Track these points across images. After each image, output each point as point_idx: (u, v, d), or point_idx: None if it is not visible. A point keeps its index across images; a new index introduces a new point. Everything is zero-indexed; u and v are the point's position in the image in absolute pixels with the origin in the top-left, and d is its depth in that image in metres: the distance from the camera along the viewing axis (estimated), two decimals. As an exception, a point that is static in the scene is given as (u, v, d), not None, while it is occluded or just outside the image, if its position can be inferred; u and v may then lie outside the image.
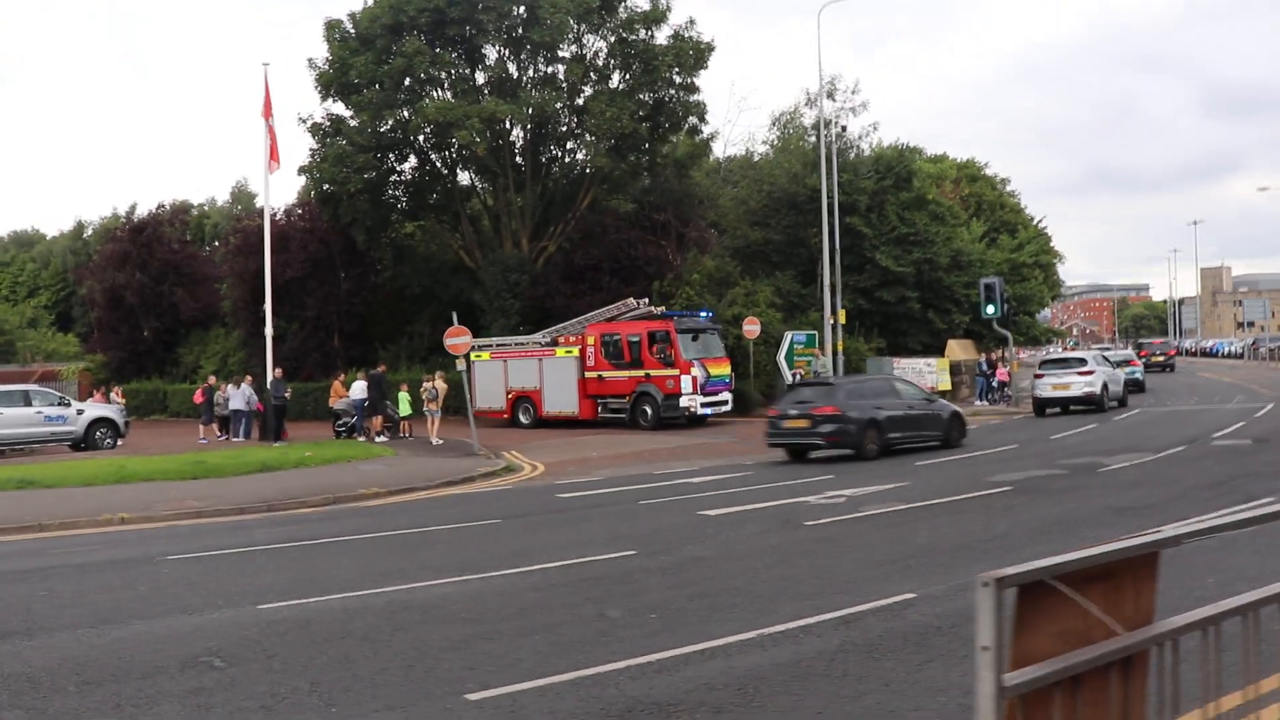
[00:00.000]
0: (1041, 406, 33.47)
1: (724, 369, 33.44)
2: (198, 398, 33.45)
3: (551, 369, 34.62)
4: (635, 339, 32.54)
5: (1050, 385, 33.04)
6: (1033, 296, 53.58)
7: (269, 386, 31.85)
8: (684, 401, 31.60)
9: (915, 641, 7.75)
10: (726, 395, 33.45)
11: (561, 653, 7.80)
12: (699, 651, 7.69)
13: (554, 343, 34.95)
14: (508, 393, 35.68)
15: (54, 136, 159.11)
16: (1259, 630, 3.80)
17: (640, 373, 32.40)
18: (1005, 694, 2.83)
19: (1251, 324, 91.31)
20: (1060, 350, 72.32)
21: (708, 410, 32.51)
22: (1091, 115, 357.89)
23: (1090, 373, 32.96)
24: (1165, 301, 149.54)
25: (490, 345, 36.44)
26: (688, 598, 9.57)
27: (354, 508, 17.84)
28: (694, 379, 31.67)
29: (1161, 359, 60.64)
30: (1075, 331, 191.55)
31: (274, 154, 33.75)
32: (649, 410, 32.08)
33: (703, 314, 34.98)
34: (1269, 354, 75.01)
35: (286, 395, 32.62)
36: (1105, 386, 33.05)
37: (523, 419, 35.35)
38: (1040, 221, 67.26)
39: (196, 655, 8.11)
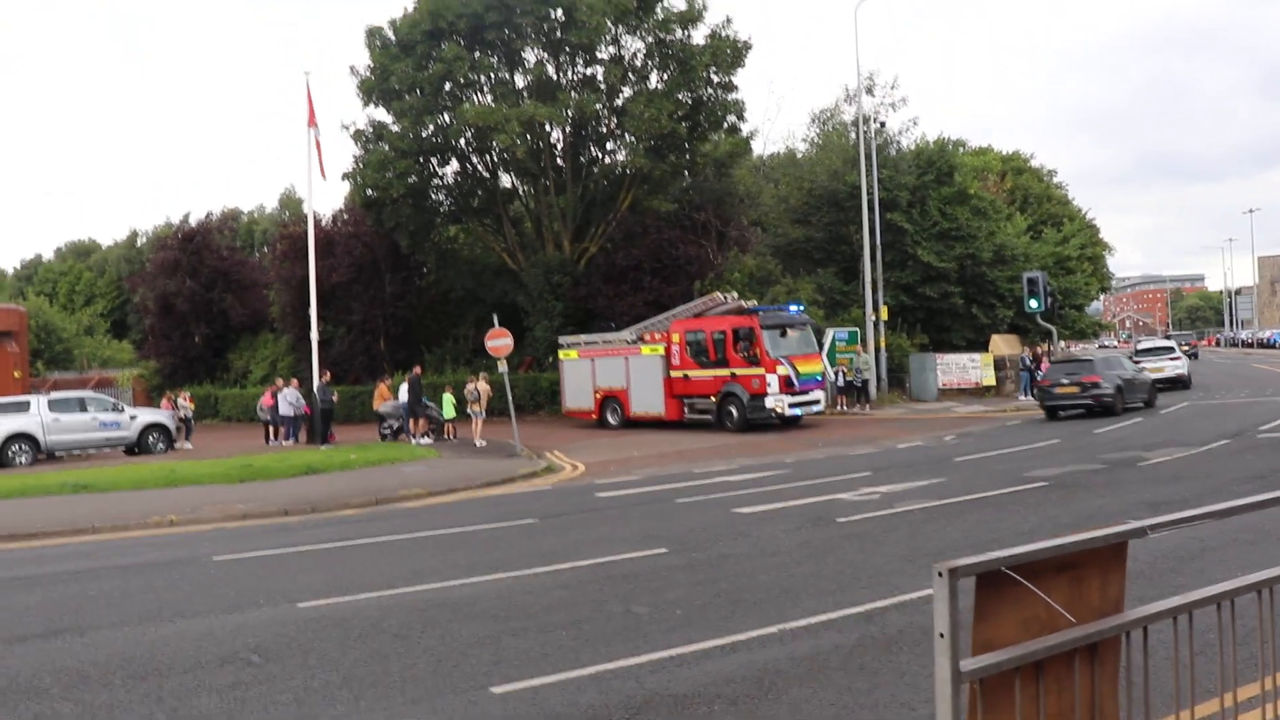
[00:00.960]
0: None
1: (815, 366, 31.66)
2: (266, 401, 33.94)
3: (638, 368, 33.54)
4: (720, 336, 31.06)
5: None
6: (1079, 290, 53.02)
7: (315, 390, 32.40)
8: (770, 402, 29.88)
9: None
10: (818, 395, 31.58)
11: (585, 647, 8.00)
12: (720, 646, 7.86)
13: (639, 340, 33.81)
14: (595, 392, 34.81)
15: (109, 148, 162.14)
16: (1235, 619, 3.90)
17: (725, 372, 30.92)
18: (962, 679, 2.97)
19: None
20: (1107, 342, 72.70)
21: (797, 411, 30.66)
22: (1142, 101, 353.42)
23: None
24: (1221, 292, 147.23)
25: (578, 343, 35.70)
26: (713, 594, 9.73)
27: (395, 509, 18.15)
28: (780, 378, 29.91)
29: (1186, 348, 58.27)
30: (1128, 324, 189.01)
31: (320, 163, 34.56)
32: (734, 411, 30.64)
33: (793, 308, 33.51)
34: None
35: (333, 399, 33.16)
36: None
37: (611, 420, 34.53)
38: (1088, 213, 66.63)
39: (236, 651, 8.41)
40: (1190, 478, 16.25)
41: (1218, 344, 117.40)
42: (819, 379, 31.67)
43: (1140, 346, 49.93)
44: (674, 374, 32.51)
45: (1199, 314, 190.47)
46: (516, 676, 7.31)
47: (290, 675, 7.69)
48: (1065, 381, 30.09)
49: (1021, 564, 3.11)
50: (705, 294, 39.87)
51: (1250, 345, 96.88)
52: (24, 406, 31.14)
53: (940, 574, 2.92)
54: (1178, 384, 40.61)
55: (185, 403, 36.69)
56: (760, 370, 30.04)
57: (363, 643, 8.52)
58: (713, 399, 31.32)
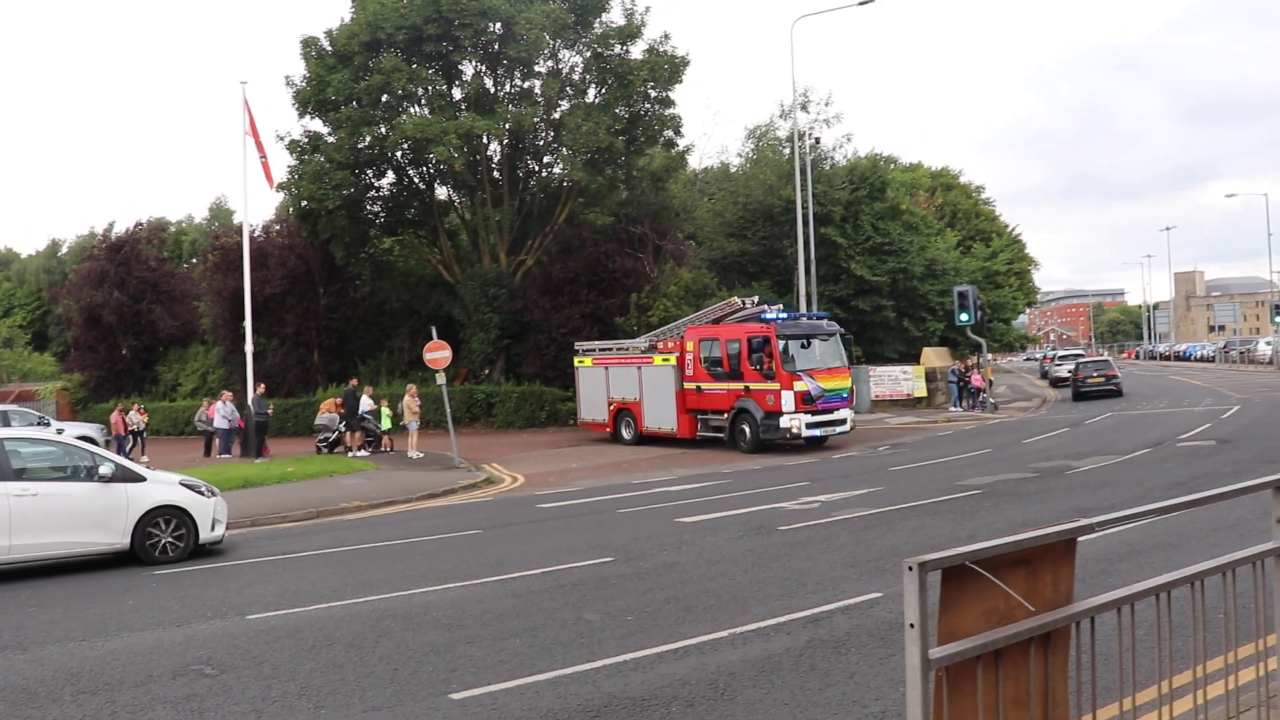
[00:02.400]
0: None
1: (842, 381, 28.05)
2: (210, 413, 33.24)
3: (650, 379, 30.58)
4: (735, 346, 27.76)
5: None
6: (1007, 303, 54.23)
7: (250, 403, 32.01)
8: (785, 421, 26.63)
9: (880, 637, 8.10)
10: (845, 414, 28.05)
11: (541, 654, 8.12)
12: (673, 650, 8.03)
13: (652, 349, 30.90)
14: (609, 404, 31.97)
15: (27, 155, 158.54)
16: (1171, 609, 4.17)
17: (739, 385, 27.70)
18: (930, 666, 3.18)
19: (1222, 328, 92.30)
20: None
21: (816, 432, 27.16)
22: (1071, 123, 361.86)
23: None
24: (1140, 306, 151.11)
25: (593, 350, 33.21)
26: (663, 601, 9.90)
27: (337, 521, 18.10)
28: (797, 394, 26.63)
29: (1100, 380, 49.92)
30: (1052, 337, 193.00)
31: (267, 173, 34.36)
32: (747, 430, 27.53)
33: (815, 316, 30.80)
34: (1239, 357, 76.00)
35: (268, 412, 32.78)
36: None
37: (625, 434, 31.68)
38: (1015, 229, 68.14)
39: (188, 664, 8.40)
40: (1116, 485, 16.78)
41: (1137, 356, 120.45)
42: (846, 395, 28.16)
43: (1061, 354, 62.71)
44: (687, 386, 29.60)
45: (1119, 327, 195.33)
46: (475, 683, 7.41)
47: (246, 686, 7.71)
48: (1095, 374, 46.42)
49: (984, 559, 3.33)
50: (644, 307, 40.11)
51: (1168, 358, 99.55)
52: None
53: (910, 568, 3.12)
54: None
55: (138, 415, 35.92)
56: (775, 385, 26.82)
57: (317, 653, 8.55)
58: (726, 415, 28.32)
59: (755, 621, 8.80)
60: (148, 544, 13.98)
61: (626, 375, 31.36)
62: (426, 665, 7.99)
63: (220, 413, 32.13)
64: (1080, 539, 3.83)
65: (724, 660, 7.74)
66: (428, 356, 27.39)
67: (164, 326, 51.01)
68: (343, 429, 31.54)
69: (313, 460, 28.36)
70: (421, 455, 28.55)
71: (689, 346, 29.40)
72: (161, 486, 14.41)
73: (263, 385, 33.86)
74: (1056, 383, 56.91)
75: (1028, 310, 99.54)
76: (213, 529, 14.60)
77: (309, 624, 9.67)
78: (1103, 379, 45.56)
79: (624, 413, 31.59)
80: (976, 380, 39.53)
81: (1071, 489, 16.72)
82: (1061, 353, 64.26)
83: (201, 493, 14.71)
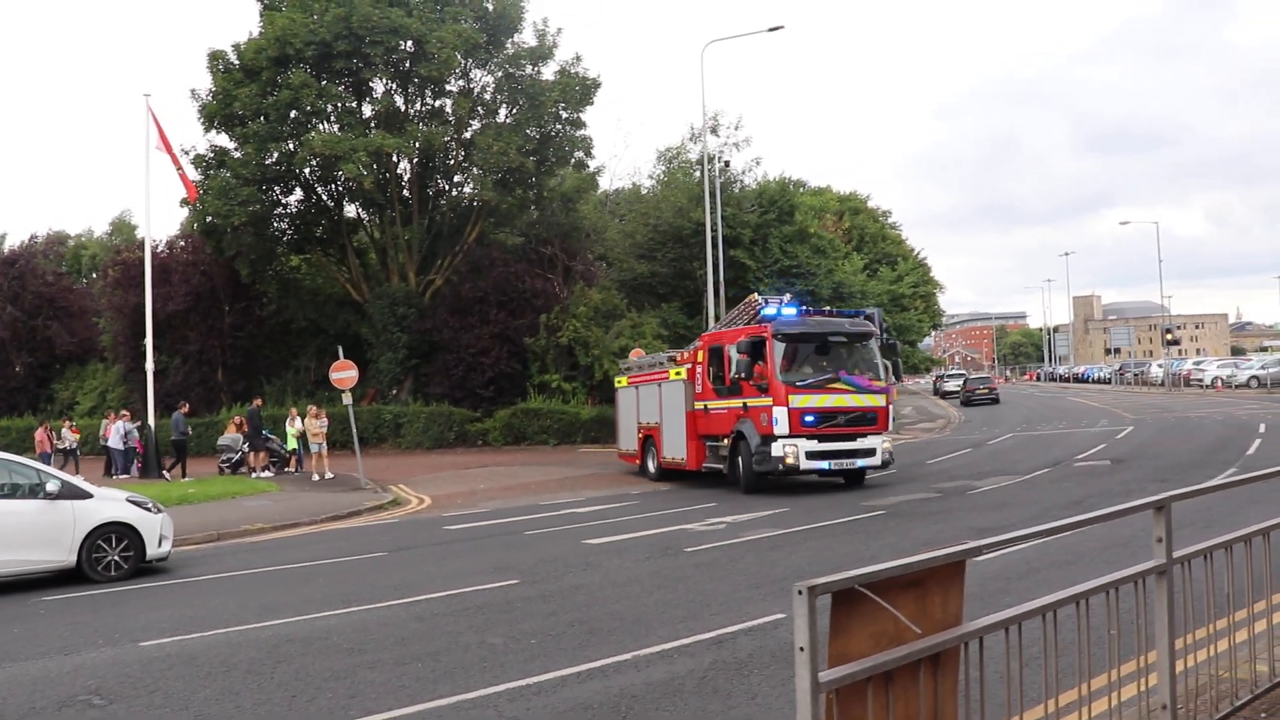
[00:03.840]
0: None
1: (870, 399, 21.33)
2: (107, 432, 32.23)
3: (668, 398, 25.40)
4: (735, 353, 22.03)
5: None
6: (913, 326, 55.33)
7: (172, 420, 31.23)
8: (777, 449, 20.69)
9: (782, 658, 8.16)
10: (872, 443, 21.20)
11: (443, 678, 8.03)
12: (576, 674, 8.00)
13: (671, 361, 25.99)
14: (639, 430, 26.98)
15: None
16: (1057, 628, 4.29)
17: (739, 402, 22.08)
18: (820, 689, 3.22)
19: (1118, 350, 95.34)
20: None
21: (822, 464, 21.00)
22: (980, 151, 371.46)
23: None
24: (1041, 329, 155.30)
25: (630, 367, 28.66)
26: (567, 624, 9.86)
27: (238, 544, 17.70)
28: (792, 412, 20.62)
29: (985, 392, 63.55)
30: (957, 359, 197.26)
31: (186, 185, 33.80)
32: (740, 461, 22.10)
33: (844, 313, 23.66)
34: (1134, 379, 78.50)
35: (187, 431, 31.96)
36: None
37: (650, 465, 26.38)
38: (920, 253, 69.64)
39: (75, 694, 8.12)
40: (1016, 505, 17.20)
41: (1038, 379, 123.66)
42: (871, 417, 21.36)
43: (949, 374, 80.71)
44: (696, 406, 24.15)
45: (1021, 349, 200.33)
46: (375, 709, 7.29)
47: (136, 716, 7.48)
48: (980, 388, 62.08)
49: (873, 582, 3.39)
50: (553, 327, 39.94)
51: (1067, 380, 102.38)
52: None
53: (800, 591, 3.17)
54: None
55: (70, 434, 34.51)
56: (769, 400, 21.06)
57: (213, 680, 8.34)
58: (726, 441, 22.79)
59: (659, 644, 8.81)
60: (95, 561, 13.74)
61: (651, 396, 26.39)
62: (326, 691, 7.84)
63: (116, 432, 31.26)
64: (980, 558, 3.93)
65: (627, 683, 7.74)
66: (333, 376, 27.00)
67: (61, 343, 49.54)
68: (246, 449, 30.90)
69: (215, 481, 27.73)
70: (331, 476, 28.04)
71: (700, 358, 24.20)
72: (108, 503, 14.23)
73: (185, 404, 33.10)
74: (945, 395, 71.27)
75: (933, 332, 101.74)
76: (159, 545, 14.42)
77: (205, 650, 9.43)
78: (986, 390, 62.22)
79: (649, 440, 26.46)
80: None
81: (973, 509, 17.08)
82: (949, 372, 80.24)
83: (149, 509, 14.53)
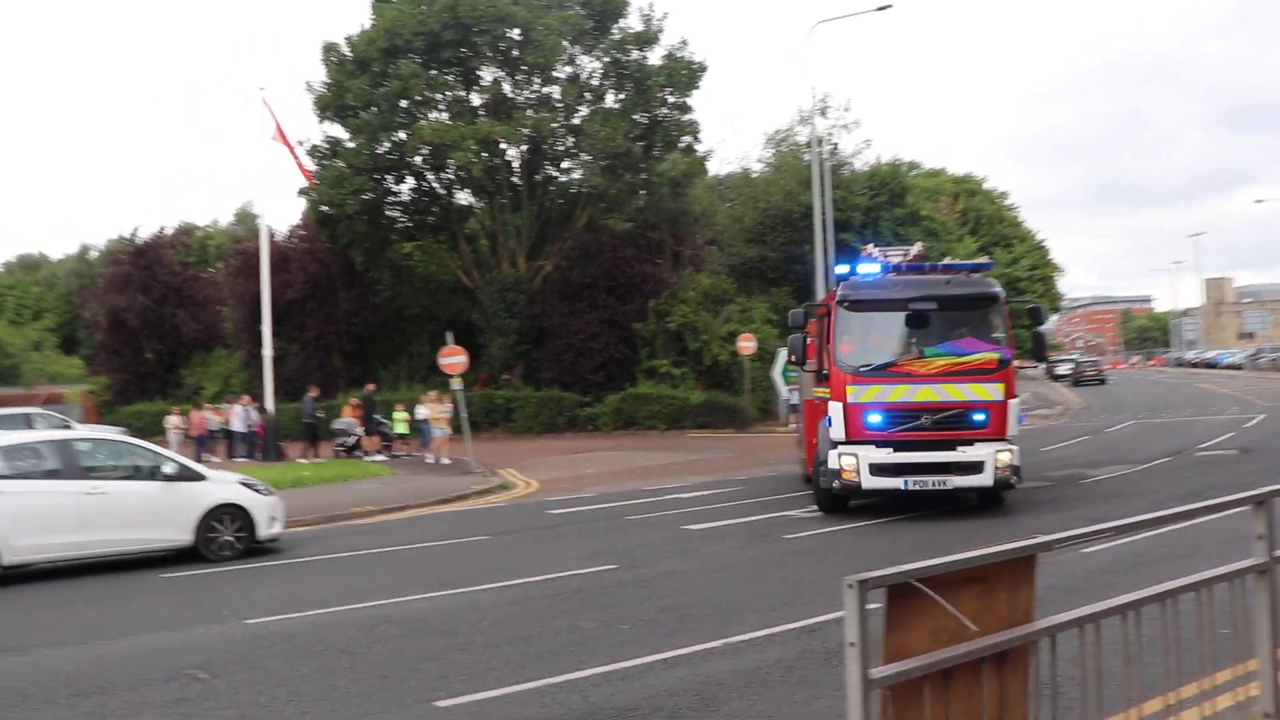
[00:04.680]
0: None
1: (973, 389, 15.03)
2: (228, 416, 33.25)
3: (806, 383, 20.10)
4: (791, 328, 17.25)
5: None
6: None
7: (303, 404, 32.30)
8: (833, 459, 15.26)
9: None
10: (972, 453, 14.83)
11: (532, 662, 8.11)
12: (664, 660, 8.00)
13: None
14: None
15: (59, 161, 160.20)
16: (1140, 628, 4.10)
17: (825, 393, 16.48)
18: (872, 686, 3.14)
19: (1252, 335, 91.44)
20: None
21: (889, 482, 15.10)
22: (1101, 131, 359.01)
23: None
24: (1168, 313, 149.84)
25: None
26: (660, 609, 9.87)
27: (347, 526, 18.15)
28: (848, 409, 15.20)
29: (1094, 373, 72.71)
30: (1080, 344, 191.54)
31: (303, 171, 35.19)
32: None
33: (949, 266, 16.84)
34: (1269, 364, 75.19)
35: (319, 415, 32.91)
36: None
37: (803, 472, 20.42)
38: (1038, 235, 67.76)
39: (182, 668, 8.43)
40: (1130, 495, 16.63)
41: (1165, 364, 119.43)
42: (981, 418, 14.97)
43: (1061, 359, 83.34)
44: (815, 392, 18.15)
45: (1148, 334, 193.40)
46: (462, 691, 7.41)
47: (236, 691, 7.73)
48: (1089, 370, 71.02)
49: (930, 576, 3.29)
50: (662, 312, 39.92)
51: (1196, 365, 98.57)
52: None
53: (850, 585, 3.09)
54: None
55: (215, 416, 34.41)
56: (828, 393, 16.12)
57: (311, 659, 8.57)
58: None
59: (749, 631, 8.76)
60: (209, 541, 14.29)
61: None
62: (417, 672, 7.99)
63: (237, 415, 32.32)
64: (1088, 549, 3.79)
65: (713, 671, 7.71)
66: (442, 362, 27.44)
67: (187, 330, 51.32)
68: (361, 433, 31.64)
69: (330, 464, 28.48)
70: (448, 461, 28.37)
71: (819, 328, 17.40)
72: (222, 485, 14.85)
73: (315, 389, 34.13)
74: (1057, 377, 73.83)
75: (1053, 317, 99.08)
76: (270, 526, 14.95)
77: (306, 629, 9.70)
78: (1094, 372, 71.04)
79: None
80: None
81: (1085, 498, 16.58)
82: (1061, 358, 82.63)
83: (259, 491, 15.10)
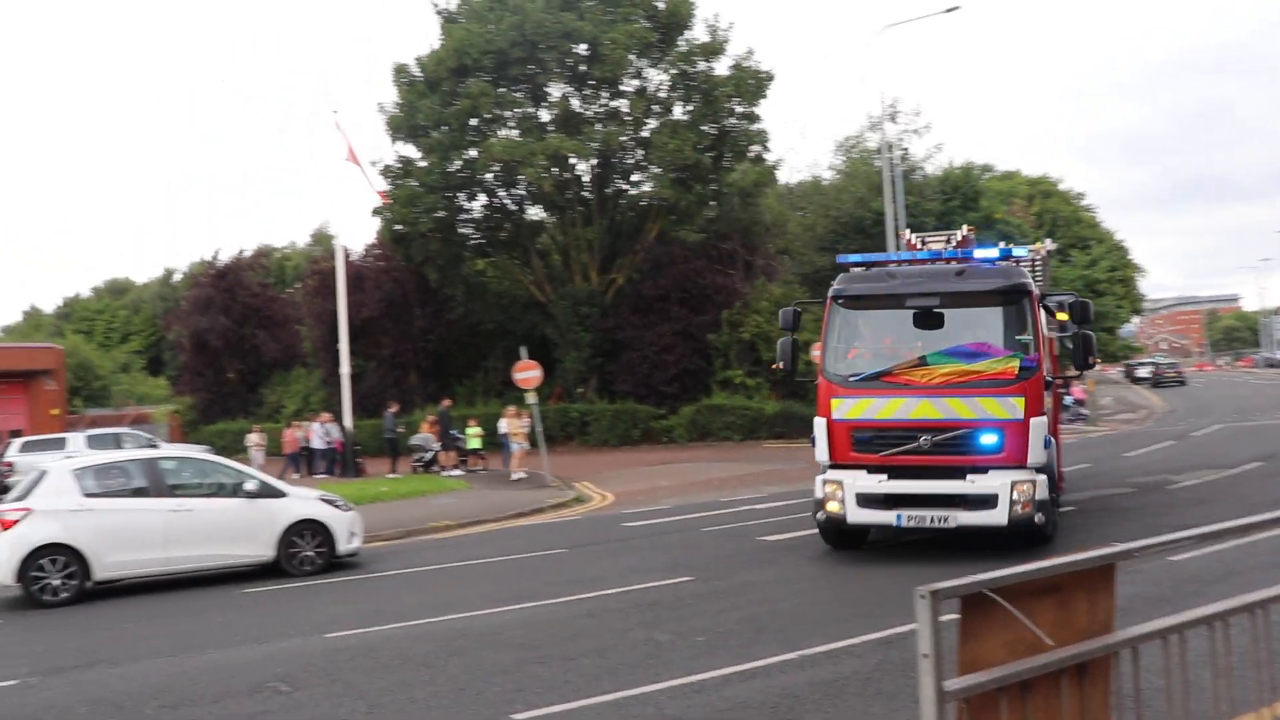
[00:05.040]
0: None
1: (984, 404, 12.25)
2: (307, 435, 33.87)
3: None
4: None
5: None
6: (1109, 312, 52.79)
7: (384, 420, 32.78)
8: (818, 485, 13.06)
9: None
10: (983, 484, 12.15)
11: (607, 675, 8.12)
12: (739, 672, 7.96)
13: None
14: None
15: (143, 188, 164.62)
16: (1229, 639, 3.98)
17: None
18: (946, 698, 3.09)
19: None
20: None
21: (880, 515, 12.66)
22: (1178, 125, 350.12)
23: None
24: (1257, 312, 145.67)
25: None
26: (736, 621, 9.82)
27: (424, 540, 18.35)
28: (832, 427, 12.89)
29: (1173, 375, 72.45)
30: (1163, 345, 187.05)
31: (379, 192, 36.04)
32: None
33: (962, 255, 14.22)
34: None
35: (399, 430, 33.44)
36: None
37: None
38: (1117, 235, 66.40)
39: (264, 681, 8.59)
40: (1217, 501, 16.17)
41: (1255, 365, 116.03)
42: (992, 440, 12.24)
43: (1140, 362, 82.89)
44: None
45: (1235, 334, 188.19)
46: (538, 704, 7.44)
47: (316, 703, 7.86)
48: (1169, 371, 70.05)
49: (1004, 586, 3.23)
50: (735, 323, 39.77)
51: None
52: (60, 443, 31.71)
53: (922, 596, 3.04)
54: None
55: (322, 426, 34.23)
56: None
57: (389, 672, 8.67)
58: None
59: (826, 643, 8.67)
60: (290, 556, 14.58)
61: None
62: (493, 685, 8.04)
63: (317, 434, 32.87)
64: (1176, 557, 3.70)
65: (790, 682, 7.65)
66: (516, 376, 27.65)
67: (267, 350, 52.39)
68: (438, 448, 32.00)
69: (407, 479, 28.82)
70: (524, 475, 28.52)
71: None
72: (302, 502, 15.12)
73: (396, 404, 34.92)
74: (1137, 380, 73.71)
75: (1135, 319, 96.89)
76: (349, 541, 15.19)
77: (384, 643, 9.82)
78: (1174, 374, 70.11)
79: None
80: (1077, 392, 38.50)
81: (1170, 505, 16.17)
82: (1141, 361, 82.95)
83: (339, 507, 15.35)
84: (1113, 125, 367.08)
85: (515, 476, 28.70)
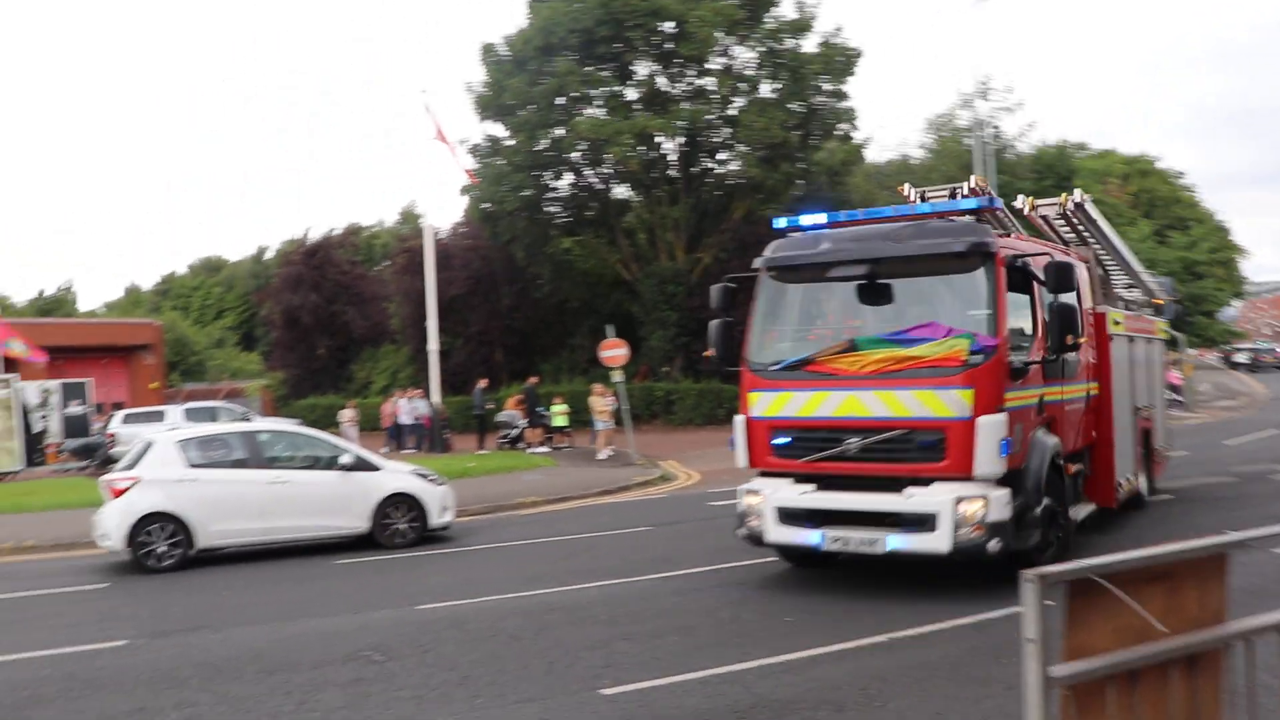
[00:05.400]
0: None
1: (921, 399, 9.65)
2: (395, 410, 34.57)
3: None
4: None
5: None
6: (1209, 295, 51.28)
7: (474, 395, 33.60)
8: (740, 495, 11.07)
9: (1045, 647, 7.79)
10: (919, 501, 9.63)
11: (695, 652, 8.15)
12: (828, 653, 7.94)
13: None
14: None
15: (239, 166, 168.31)
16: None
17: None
18: (1051, 685, 3.05)
19: None
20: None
21: (800, 536, 10.31)
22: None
23: None
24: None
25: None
26: (824, 602, 9.79)
27: (512, 516, 18.57)
28: (751, 426, 10.93)
29: (1272, 359, 72.11)
30: (1267, 330, 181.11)
31: (467, 171, 37.48)
32: None
33: (931, 211, 11.16)
34: None
35: (488, 406, 33.94)
36: None
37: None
38: (1219, 215, 64.36)
39: (359, 649, 8.79)
40: (1325, 491, 15.68)
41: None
42: (928, 441, 9.72)
43: (1239, 347, 76.23)
44: None
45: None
46: (626, 679, 7.50)
47: (410, 673, 8.02)
48: (1268, 356, 66.29)
49: (1113, 572, 3.17)
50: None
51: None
52: (160, 416, 32.80)
53: (1030, 580, 3.00)
54: None
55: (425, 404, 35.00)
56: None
57: (480, 644, 8.82)
58: None
59: (917, 626, 8.62)
60: (384, 529, 14.89)
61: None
62: (582, 660, 8.13)
63: (404, 409, 33.41)
64: (1244, 549, 3.61)
65: (879, 664, 7.61)
66: (603, 355, 27.79)
67: (356, 327, 53.32)
68: (525, 425, 32.31)
69: (494, 456, 29.17)
70: (612, 453, 28.66)
71: None
72: (396, 475, 15.40)
73: (485, 380, 35.44)
74: (1235, 365, 71.35)
75: (1236, 302, 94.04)
76: (441, 515, 15.43)
77: (475, 615, 9.97)
78: (1275, 358, 69.43)
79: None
80: (1173, 378, 37.48)
81: (1274, 496, 15.71)
82: (1239, 346, 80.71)
83: (432, 481, 15.60)
84: (1212, 98, 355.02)
85: (601, 455, 28.88)
